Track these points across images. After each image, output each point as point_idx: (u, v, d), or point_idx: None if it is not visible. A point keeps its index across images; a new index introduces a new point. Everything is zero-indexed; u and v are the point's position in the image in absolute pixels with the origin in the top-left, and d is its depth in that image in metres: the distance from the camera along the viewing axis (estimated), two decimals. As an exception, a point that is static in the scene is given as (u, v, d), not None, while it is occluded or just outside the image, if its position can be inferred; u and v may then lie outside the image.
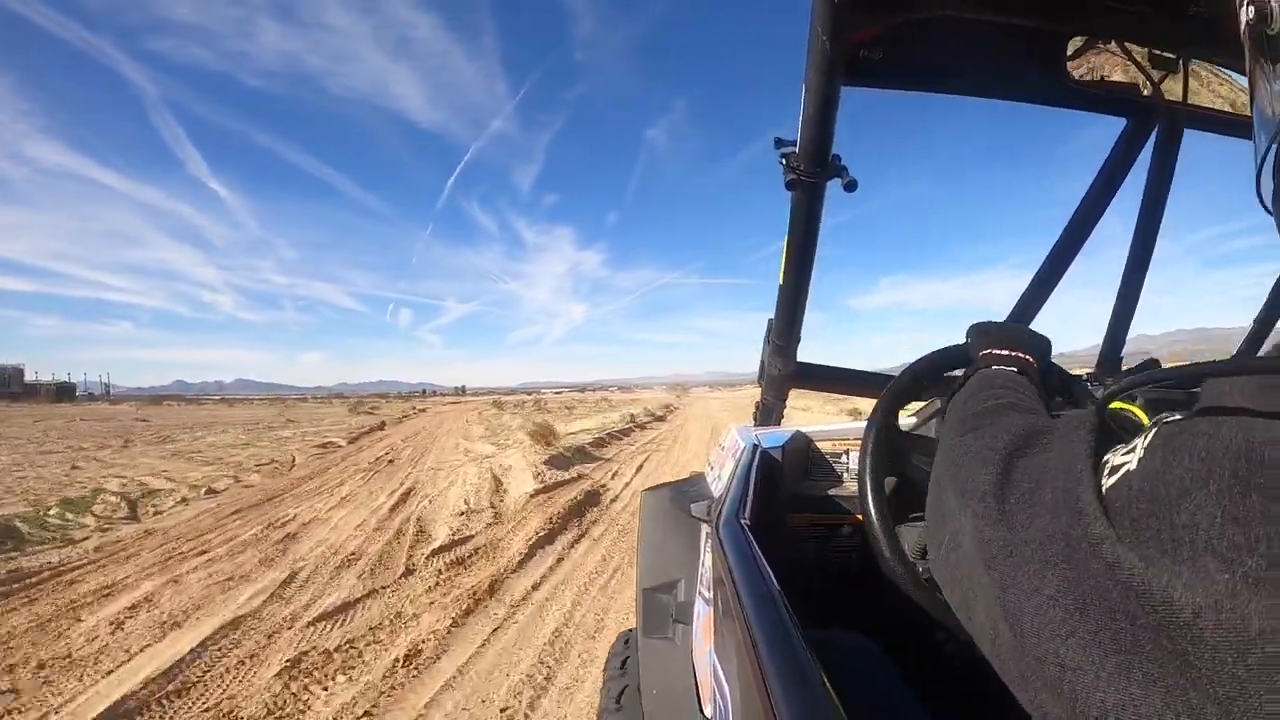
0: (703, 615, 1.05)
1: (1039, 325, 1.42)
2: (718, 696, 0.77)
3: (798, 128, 1.02)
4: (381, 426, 17.72)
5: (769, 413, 1.64)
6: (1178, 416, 0.35)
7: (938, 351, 0.87)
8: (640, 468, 8.61)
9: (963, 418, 0.61)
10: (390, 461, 9.43)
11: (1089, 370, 1.46)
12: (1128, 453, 0.36)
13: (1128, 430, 1.07)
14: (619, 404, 35.12)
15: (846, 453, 1.35)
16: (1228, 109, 1.29)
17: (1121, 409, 1.15)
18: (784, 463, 1.23)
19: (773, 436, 1.35)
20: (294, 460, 9.68)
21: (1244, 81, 1.17)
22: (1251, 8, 0.38)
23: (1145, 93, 1.25)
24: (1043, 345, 0.76)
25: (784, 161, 1.06)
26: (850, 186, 1.07)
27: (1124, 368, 1.51)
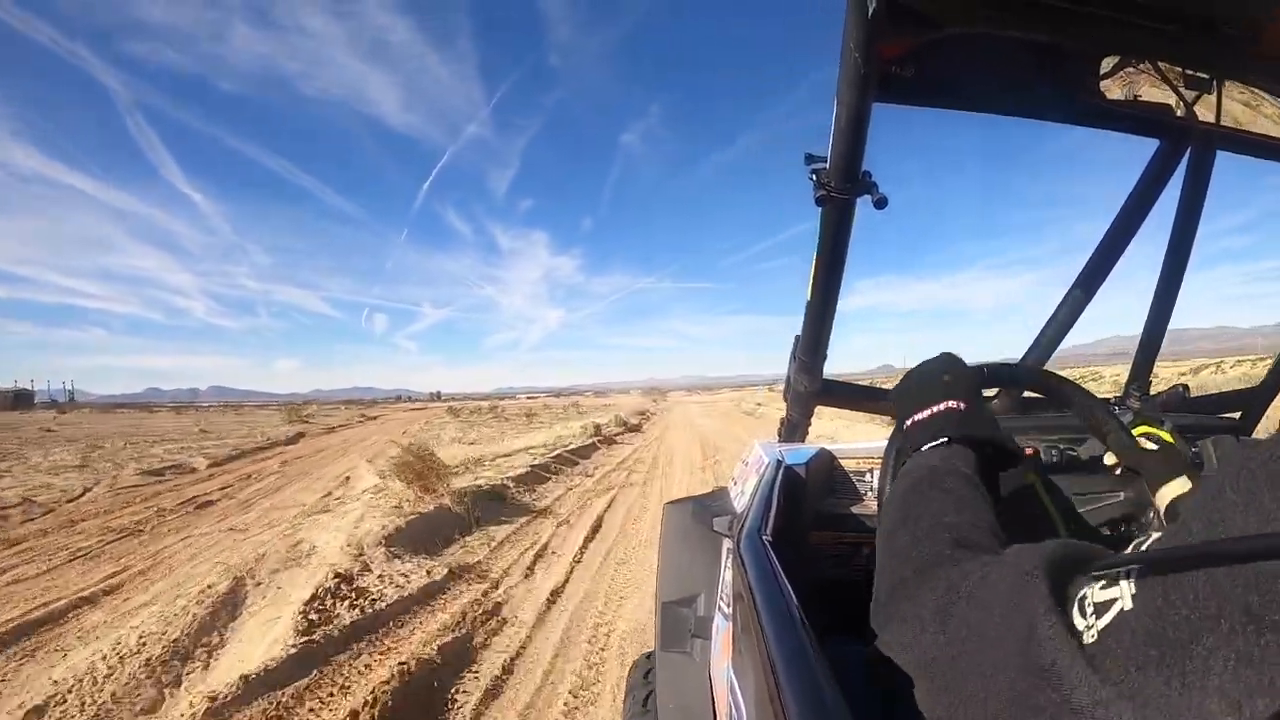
0: (722, 630, 1.14)
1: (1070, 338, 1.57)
2: (733, 712, 0.84)
3: (828, 144, 1.12)
4: (295, 440, 17.09)
5: (794, 429, 1.73)
6: (1156, 537, 0.38)
7: (1034, 369, 0.99)
8: (596, 530, 5.73)
9: (903, 545, 0.61)
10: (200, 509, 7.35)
11: (1116, 395, 1.61)
12: (1108, 585, 0.37)
13: (1161, 457, 1.19)
14: (589, 410, 34.31)
15: (870, 471, 1.44)
16: (1262, 131, 1.41)
17: (1150, 432, 1.31)
18: (808, 480, 1.32)
19: (797, 453, 1.45)
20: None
21: (1278, 104, 1.32)
22: None
23: (1178, 113, 1.35)
24: (959, 378, 0.80)
25: (814, 177, 1.16)
26: (880, 204, 1.16)
27: (1152, 390, 1.66)
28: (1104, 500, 0.98)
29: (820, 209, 1.21)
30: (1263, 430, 1.83)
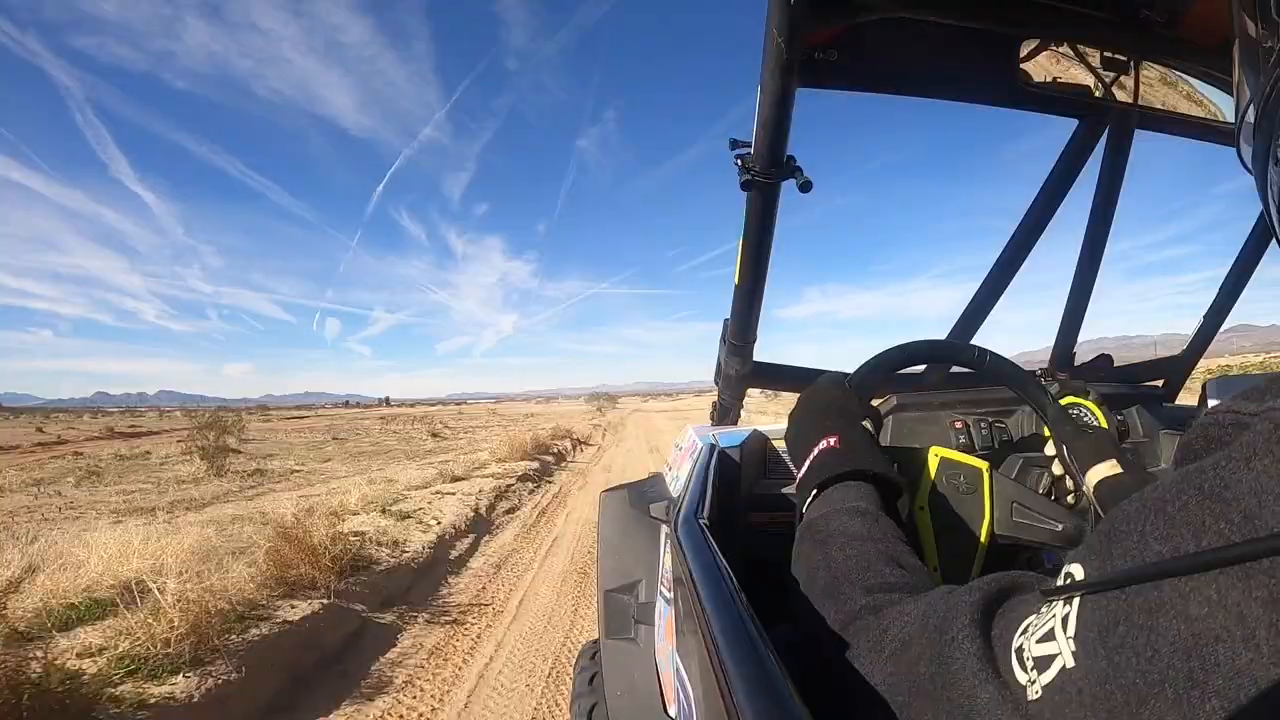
0: (664, 615, 1.16)
1: (987, 328, 1.60)
2: (681, 696, 0.85)
3: (752, 129, 1.13)
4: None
5: (726, 412, 1.76)
6: (1080, 581, 0.37)
7: (893, 349, 1.00)
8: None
9: (819, 603, 0.62)
10: None
11: (1042, 367, 1.65)
12: (1045, 639, 0.37)
13: (1083, 425, 1.21)
14: (531, 419, 31.60)
15: None
16: (1177, 109, 1.45)
17: (1076, 403, 1.34)
18: (741, 462, 1.35)
19: (730, 436, 1.47)
20: None
21: (1194, 83, 1.36)
22: None
23: (1097, 94, 1.38)
24: (830, 405, 0.82)
25: (739, 163, 1.17)
26: (805, 187, 1.18)
27: (1076, 364, 1.70)
28: (1039, 522, 1.00)
29: (746, 194, 1.21)
30: (1184, 397, 1.90)
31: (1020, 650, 0.39)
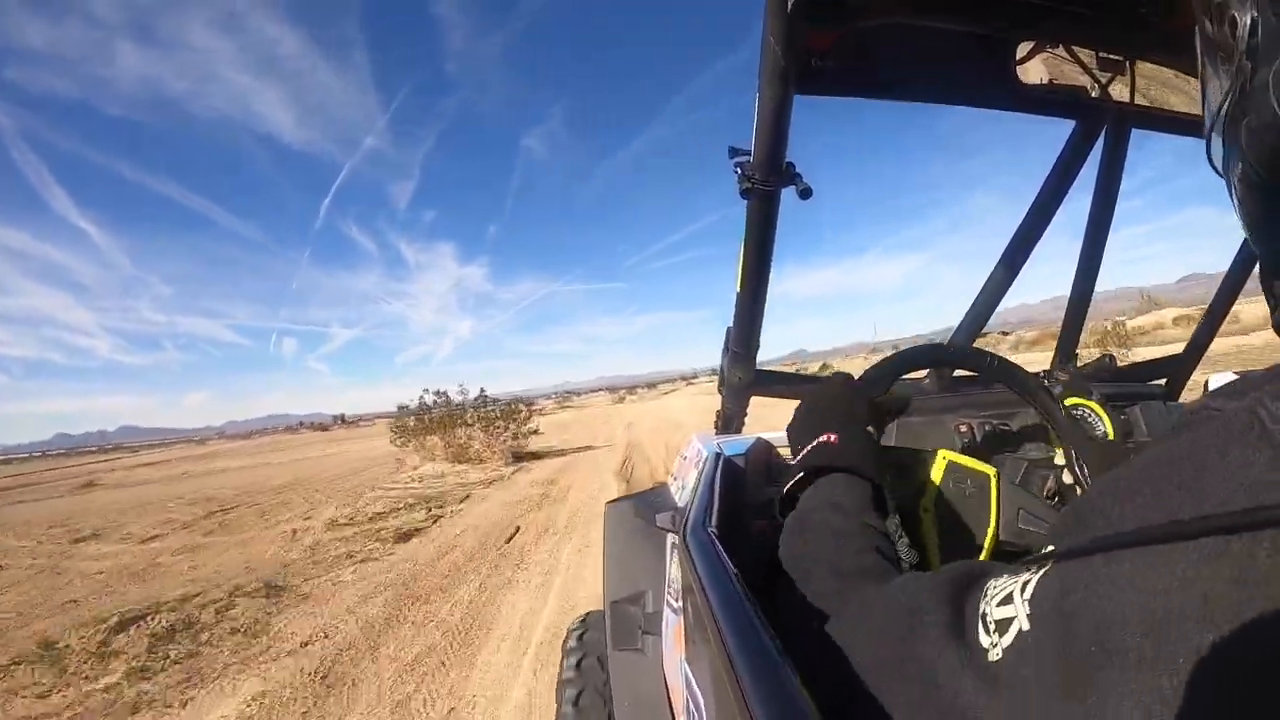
0: (672, 625, 1.15)
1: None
2: (691, 706, 0.84)
3: (751, 137, 1.13)
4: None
5: (730, 421, 1.75)
6: (1048, 553, 0.37)
7: (896, 355, 0.99)
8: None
9: (797, 586, 0.64)
10: None
11: (1044, 369, 1.63)
12: (1004, 601, 0.38)
13: (1087, 425, 1.19)
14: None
15: None
16: (1173, 108, 1.46)
17: (1080, 404, 1.32)
18: (747, 469, 1.34)
19: (735, 444, 1.46)
20: None
21: (1189, 81, 1.35)
22: None
23: (1093, 94, 1.38)
24: (837, 403, 0.83)
25: (738, 170, 1.16)
26: (805, 194, 1.17)
27: (1079, 364, 1.69)
28: (1045, 530, 0.98)
29: (746, 202, 1.20)
30: (1187, 396, 1.88)
31: (984, 615, 0.39)
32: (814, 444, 0.77)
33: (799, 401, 0.89)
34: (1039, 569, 0.36)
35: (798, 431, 0.83)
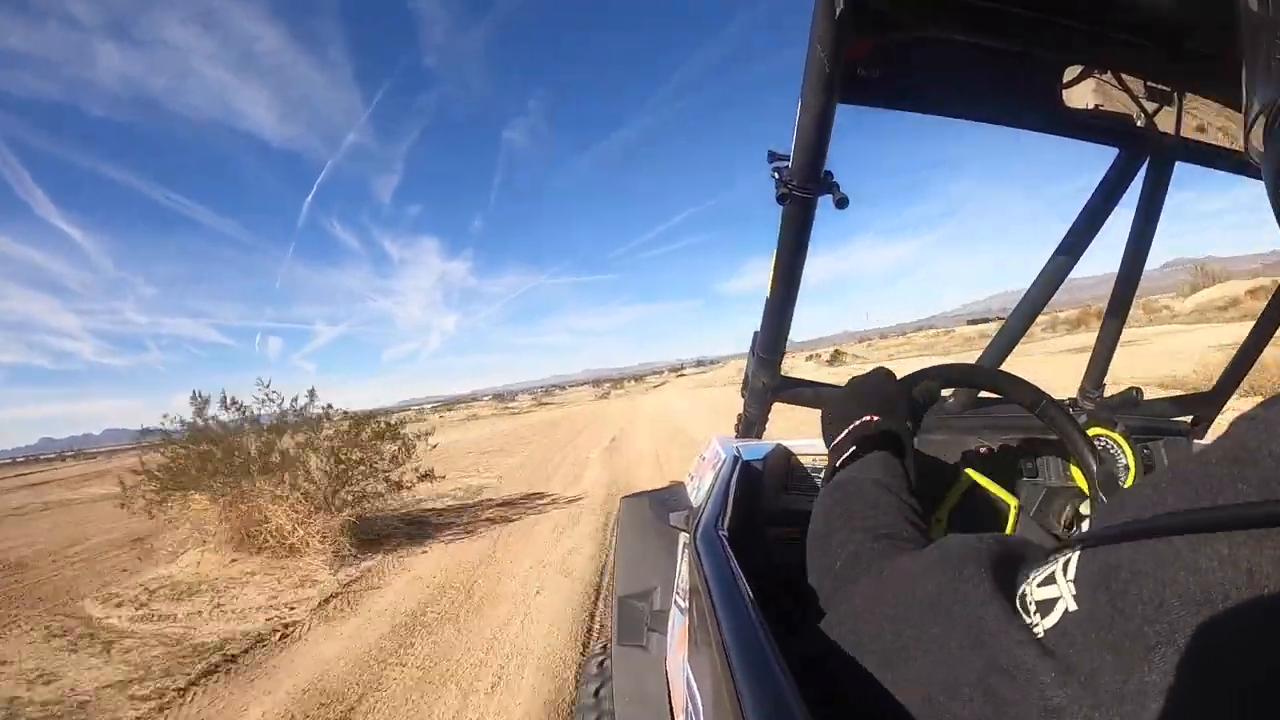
0: (678, 624, 1.15)
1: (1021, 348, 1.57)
2: (689, 706, 0.84)
3: (791, 143, 1.13)
4: None
5: (751, 425, 1.74)
6: (1093, 536, 0.36)
7: (957, 366, 1.00)
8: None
9: (828, 550, 0.64)
10: None
11: (1071, 398, 1.61)
12: (1046, 582, 0.37)
13: (1109, 457, 1.18)
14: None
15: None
16: (1219, 143, 1.44)
17: (1103, 434, 1.30)
18: (765, 475, 1.34)
19: (754, 449, 1.46)
20: None
21: (1236, 117, 1.34)
22: None
23: (1139, 124, 1.37)
24: (873, 392, 0.85)
25: (776, 175, 1.17)
26: (842, 203, 1.18)
27: (1106, 394, 1.66)
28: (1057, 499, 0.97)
29: (781, 207, 1.20)
30: (1214, 434, 1.85)
31: (1024, 596, 0.39)
32: (857, 423, 0.80)
33: (839, 388, 0.92)
34: (1081, 547, 0.36)
35: (837, 413, 0.85)
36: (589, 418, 25.14)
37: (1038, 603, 0.37)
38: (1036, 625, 0.37)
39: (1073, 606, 0.34)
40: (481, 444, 15.07)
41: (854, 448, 0.78)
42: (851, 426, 0.80)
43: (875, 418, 0.80)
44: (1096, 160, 1.46)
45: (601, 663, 1.62)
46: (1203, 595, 0.29)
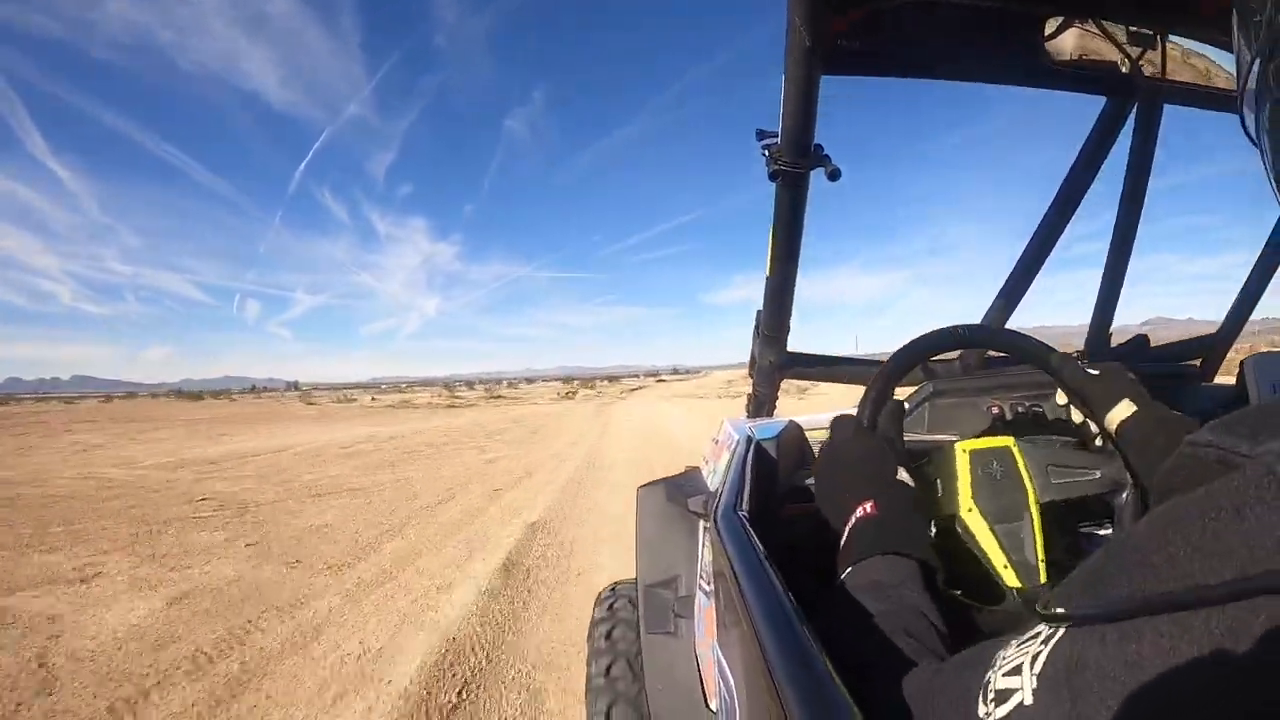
0: (704, 609, 1.15)
1: (1023, 307, 1.56)
2: (722, 688, 0.84)
3: (779, 119, 1.12)
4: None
5: (761, 404, 1.75)
6: (1059, 615, 0.34)
7: (925, 336, 0.98)
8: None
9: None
10: None
11: (1079, 350, 1.61)
12: (1010, 673, 0.35)
13: (1090, 368, 1.13)
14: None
15: None
16: (1204, 83, 1.43)
17: None
18: (778, 453, 1.34)
19: (766, 428, 1.45)
20: None
21: (1220, 55, 1.33)
22: None
23: (1124, 70, 1.36)
24: (864, 459, 0.78)
25: (766, 153, 1.16)
26: (834, 175, 1.17)
27: (1112, 345, 1.66)
28: (1078, 475, 0.97)
29: (774, 184, 1.19)
30: (1221, 376, 1.84)
31: (987, 683, 0.37)
32: (854, 520, 0.72)
33: (819, 457, 0.85)
34: (1051, 638, 0.34)
35: (828, 496, 0.79)
36: (539, 430, 15.78)
37: (997, 691, 0.35)
38: (989, 715, 0.35)
39: (1029, 700, 0.33)
40: (319, 480, 8.13)
41: (857, 558, 0.68)
42: (850, 524, 0.72)
43: (870, 505, 0.71)
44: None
45: (611, 604, 1.63)
46: (1169, 694, 0.26)
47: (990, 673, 0.37)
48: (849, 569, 0.68)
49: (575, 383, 76.77)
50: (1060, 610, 0.34)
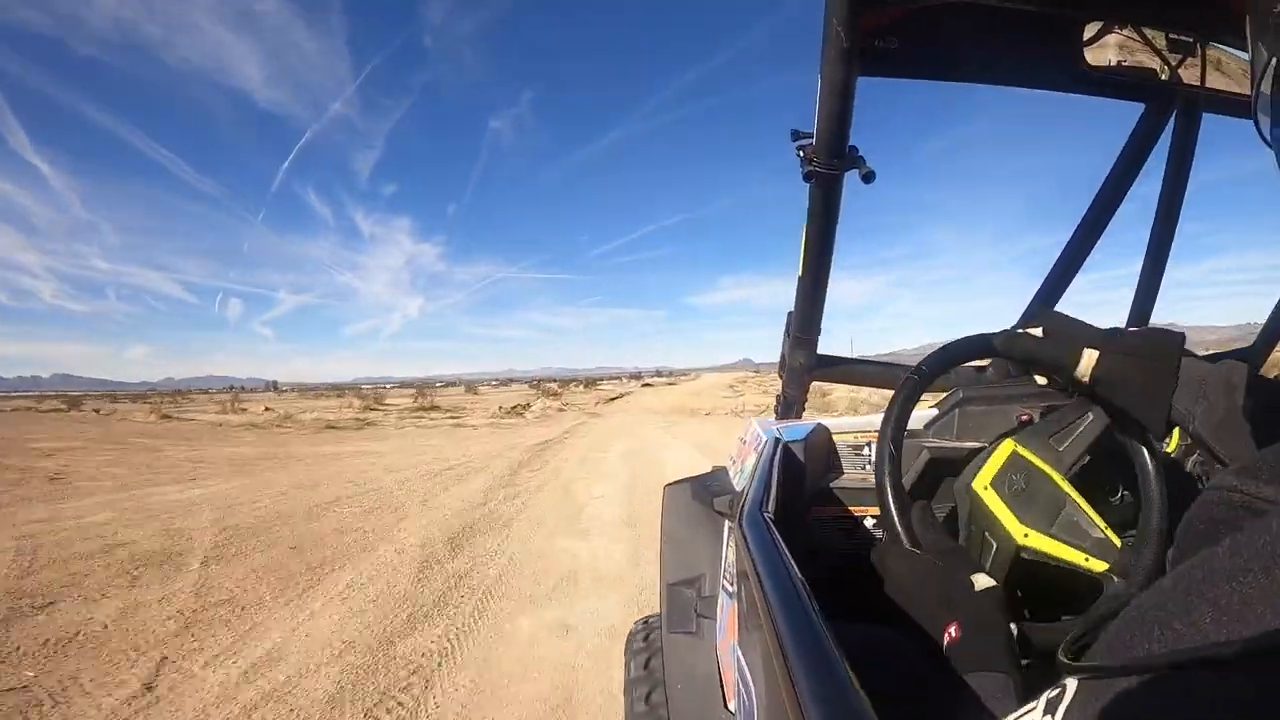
0: (726, 609, 1.14)
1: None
2: (742, 690, 0.83)
3: (814, 119, 1.12)
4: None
5: (790, 406, 1.74)
6: (1076, 688, 0.32)
7: (956, 342, 0.97)
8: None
9: None
10: None
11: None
12: (1025, 714, 0.34)
13: (1053, 341, 1.09)
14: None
15: (869, 444, 1.42)
16: (1245, 92, 1.40)
17: None
18: (806, 456, 1.33)
19: (794, 430, 1.44)
20: None
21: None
22: None
23: (1163, 77, 1.34)
24: (929, 588, 0.75)
25: (800, 154, 1.16)
26: (868, 178, 1.16)
27: None
28: (1078, 428, 0.96)
29: (808, 185, 1.19)
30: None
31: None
32: (945, 645, 0.69)
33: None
34: (1071, 690, 0.32)
35: (917, 627, 0.74)
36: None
37: None
38: None
39: None
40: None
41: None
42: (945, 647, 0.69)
43: (954, 629, 0.68)
44: (1066, 217, 1.37)
45: (646, 636, 1.62)
46: None
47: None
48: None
49: (540, 387, 56.75)
50: (1086, 663, 0.32)
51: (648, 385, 74.68)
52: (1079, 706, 0.30)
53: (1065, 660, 0.33)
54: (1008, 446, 0.94)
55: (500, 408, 26.84)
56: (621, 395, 43.67)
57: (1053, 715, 0.31)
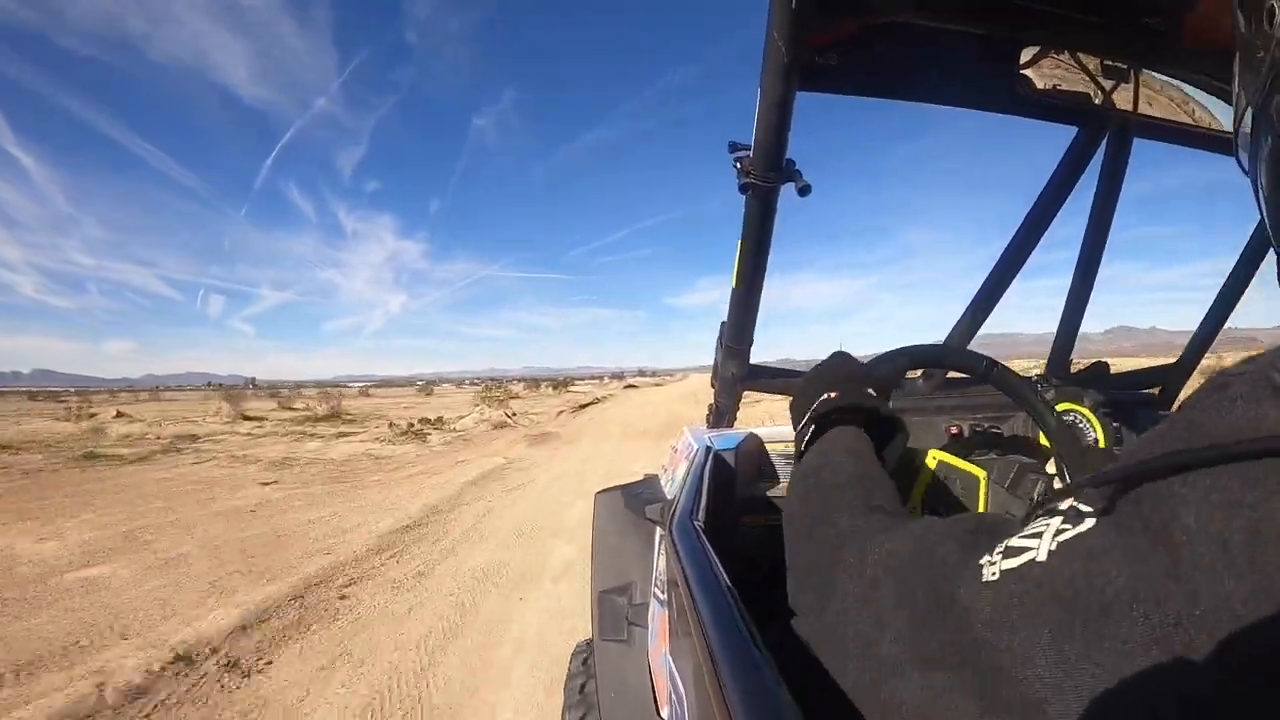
0: (658, 617, 1.15)
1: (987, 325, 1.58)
2: (674, 697, 0.84)
3: (752, 132, 1.12)
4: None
5: (722, 415, 1.74)
6: (1080, 510, 0.35)
7: (906, 349, 0.99)
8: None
9: (802, 534, 0.61)
10: None
11: (1039, 372, 1.63)
12: (1029, 536, 0.37)
13: (1078, 431, 1.18)
14: None
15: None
16: (1176, 118, 1.45)
17: (1072, 409, 1.31)
18: (737, 465, 1.34)
19: (726, 439, 1.45)
20: None
21: (1192, 91, 1.35)
22: None
23: (1096, 101, 1.38)
24: (834, 371, 0.83)
25: (738, 165, 1.16)
26: (804, 191, 1.17)
27: (1073, 370, 1.68)
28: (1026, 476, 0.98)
29: (744, 196, 1.19)
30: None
31: (998, 546, 0.38)
32: (818, 402, 0.78)
33: (804, 376, 0.89)
34: (1079, 517, 0.35)
35: (799, 399, 0.83)
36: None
37: (1009, 547, 0.37)
38: (993, 564, 0.37)
39: (1041, 558, 0.34)
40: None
41: (814, 428, 0.76)
42: (812, 407, 0.78)
43: (835, 394, 0.78)
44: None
45: (585, 659, 1.61)
46: (1176, 566, 0.28)
47: (1007, 540, 0.38)
48: (812, 429, 0.75)
49: (489, 390, 40.22)
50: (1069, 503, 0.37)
51: (631, 386, 67.23)
52: (1082, 526, 0.34)
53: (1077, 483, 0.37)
54: (982, 474, 0.95)
55: (393, 425, 17.49)
56: (596, 401, 33.60)
57: (1059, 536, 0.35)
